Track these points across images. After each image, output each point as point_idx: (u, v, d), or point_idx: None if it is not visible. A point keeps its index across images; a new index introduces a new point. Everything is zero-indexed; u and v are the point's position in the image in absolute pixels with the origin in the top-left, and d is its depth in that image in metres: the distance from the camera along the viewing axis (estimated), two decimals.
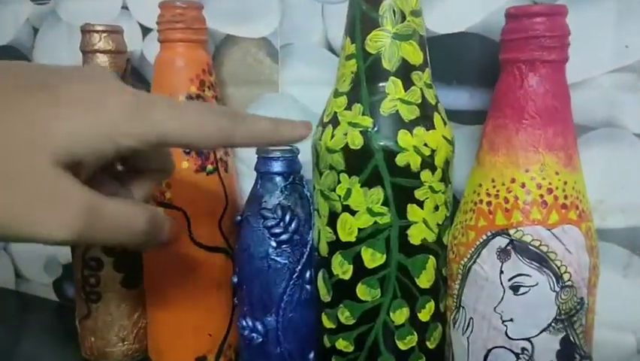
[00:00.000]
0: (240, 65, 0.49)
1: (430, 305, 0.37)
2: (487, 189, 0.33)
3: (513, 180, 0.32)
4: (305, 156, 0.43)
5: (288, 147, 0.43)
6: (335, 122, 0.36)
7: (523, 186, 0.31)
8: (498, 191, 0.32)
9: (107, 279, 0.48)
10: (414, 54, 0.35)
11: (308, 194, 0.43)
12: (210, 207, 0.45)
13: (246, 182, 0.49)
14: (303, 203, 0.43)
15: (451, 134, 0.36)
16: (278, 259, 0.42)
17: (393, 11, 0.34)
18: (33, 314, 0.64)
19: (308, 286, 0.42)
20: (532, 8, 0.32)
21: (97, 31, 0.47)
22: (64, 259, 0.63)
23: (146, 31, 0.53)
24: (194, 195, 0.44)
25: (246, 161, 0.50)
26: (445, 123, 0.36)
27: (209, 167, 0.44)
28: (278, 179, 0.42)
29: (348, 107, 0.35)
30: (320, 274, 0.39)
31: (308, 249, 0.42)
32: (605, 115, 0.37)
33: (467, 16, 0.40)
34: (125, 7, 0.54)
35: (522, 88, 0.31)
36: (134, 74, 0.52)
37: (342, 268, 0.36)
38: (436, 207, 0.36)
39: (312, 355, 0.43)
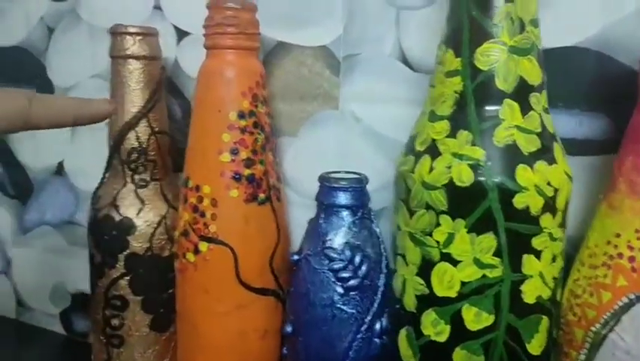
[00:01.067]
0: (293, 77, 0.43)
1: None
2: (628, 241, 0.27)
3: None
4: (371, 183, 0.37)
5: (356, 176, 0.37)
6: (434, 151, 0.29)
7: None
8: None
9: (133, 321, 0.42)
10: (533, 72, 0.29)
11: (377, 230, 0.37)
12: (261, 242, 0.38)
13: (295, 212, 0.42)
14: (373, 242, 0.36)
15: (570, 169, 0.30)
16: (344, 308, 0.35)
17: (512, 19, 0.28)
18: (36, 348, 0.57)
19: (377, 340, 0.36)
20: None
21: (130, 34, 0.40)
22: (72, 288, 0.56)
23: (181, 34, 0.46)
24: (244, 228, 0.37)
25: (294, 186, 0.44)
26: (564, 156, 0.30)
27: (261, 196, 0.38)
28: (345, 213, 0.36)
29: (452, 135, 0.29)
30: (403, 332, 0.32)
31: (379, 296, 0.36)
32: None
33: (578, 28, 0.34)
34: (157, 7, 0.47)
35: None
36: (166, 83, 0.45)
37: (435, 329, 0.30)
38: (554, 259, 0.29)
39: None
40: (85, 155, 0.53)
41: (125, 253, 0.41)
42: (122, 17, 0.44)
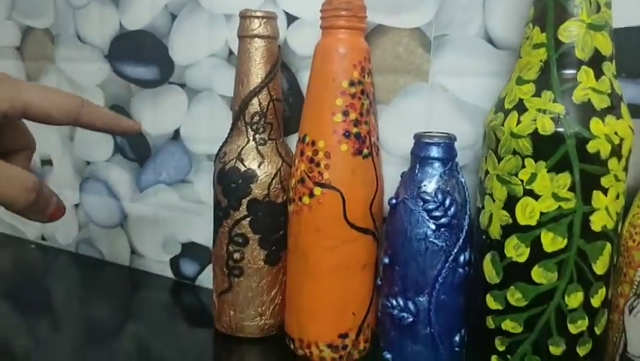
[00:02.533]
0: (390, 54, 0.50)
1: (602, 291, 0.37)
2: None
3: None
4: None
5: (446, 134, 0.45)
6: (521, 108, 0.37)
7: None
8: None
9: (252, 255, 0.50)
10: (605, 45, 0.36)
11: (463, 180, 0.44)
12: (364, 189, 0.46)
13: (385, 168, 0.50)
14: (459, 189, 0.44)
15: (633, 125, 0.37)
16: (436, 241, 0.43)
17: (590, 2, 0.35)
18: (148, 290, 0.67)
19: (460, 270, 0.43)
20: None
21: (257, 17, 0.49)
22: (183, 238, 0.66)
23: (291, 19, 0.55)
24: (351, 177, 0.45)
25: (385, 147, 0.52)
26: (629, 114, 0.37)
27: (365, 151, 0.46)
28: (437, 164, 0.44)
29: (537, 94, 0.36)
30: (488, 257, 0.40)
31: (464, 233, 0.43)
32: None
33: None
34: None
35: None
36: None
37: (517, 251, 0.37)
38: (617, 196, 0.36)
39: (457, 337, 0.44)
40: (199, 123, 0.62)
41: (247, 198, 0.50)
42: (237, 6, 0.52)
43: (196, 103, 0.62)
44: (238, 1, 0.57)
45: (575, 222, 0.36)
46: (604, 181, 0.35)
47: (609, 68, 0.36)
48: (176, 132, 0.64)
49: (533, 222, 0.37)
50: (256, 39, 0.49)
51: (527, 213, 0.37)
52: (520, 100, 0.37)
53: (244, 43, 0.50)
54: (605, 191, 0.36)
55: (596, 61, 0.36)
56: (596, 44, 0.36)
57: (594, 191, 0.35)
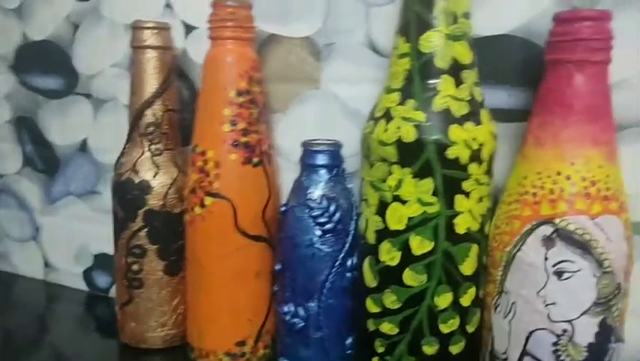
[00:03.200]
0: (283, 63, 0.51)
1: (472, 291, 0.39)
2: (532, 182, 0.35)
3: (559, 173, 0.34)
4: (346, 150, 0.45)
5: (333, 141, 0.45)
6: (388, 116, 0.38)
7: (568, 178, 0.34)
8: (544, 183, 0.35)
9: (150, 266, 0.50)
10: (464, 54, 0.37)
11: (350, 186, 0.45)
12: (255, 197, 0.47)
13: (284, 175, 0.51)
14: (345, 194, 0.45)
15: (494, 130, 0.39)
16: (322, 247, 0.44)
17: (447, 13, 0.37)
18: (62, 303, 0.66)
19: (348, 274, 0.44)
20: (581, 13, 0.34)
21: (147, 28, 0.49)
22: (95, 250, 0.65)
23: (189, 29, 0.55)
24: (241, 186, 0.46)
25: (285, 154, 0.52)
26: (490, 120, 0.38)
27: (255, 159, 0.46)
28: (323, 171, 0.44)
29: (402, 103, 0.38)
30: (366, 261, 0.41)
31: (350, 238, 0.44)
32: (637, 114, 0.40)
33: (508, 19, 0.43)
34: (168, 6, 0.56)
35: (570, 87, 0.34)
36: (177, 70, 0.54)
37: (389, 255, 0.39)
38: (481, 199, 0.38)
39: (349, 340, 0.45)
40: (105, 133, 0.62)
41: (143, 209, 0.49)
42: (138, 15, 0.52)
43: (102, 113, 0.62)
44: (138, 11, 0.56)
45: (440, 225, 0.37)
46: (465, 185, 0.37)
47: (469, 75, 0.38)
48: (84, 143, 0.63)
49: (402, 227, 0.38)
50: (148, 50, 0.49)
51: (397, 218, 0.38)
52: (387, 109, 0.38)
53: (136, 54, 0.50)
54: (467, 194, 0.37)
55: (455, 70, 0.37)
56: (454, 54, 0.37)
57: (456, 195, 0.37)
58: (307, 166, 0.45)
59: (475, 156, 0.37)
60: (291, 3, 0.50)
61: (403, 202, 0.37)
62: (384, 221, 0.38)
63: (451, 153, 0.36)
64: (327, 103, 0.50)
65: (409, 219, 0.37)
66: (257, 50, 0.51)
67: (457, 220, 0.37)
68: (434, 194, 0.37)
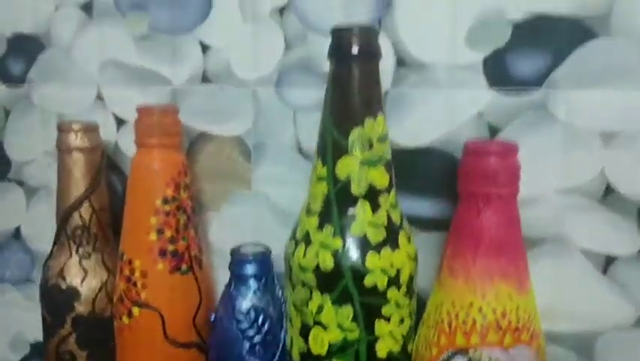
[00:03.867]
0: (214, 161, 0.51)
1: None
2: (447, 310, 0.35)
3: (471, 305, 0.34)
4: (278, 253, 0.45)
5: (261, 249, 0.45)
6: (307, 240, 0.38)
7: (480, 310, 0.34)
8: (457, 313, 0.35)
9: None
10: (381, 178, 0.38)
11: (280, 292, 0.45)
12: (185, 305, 0.46)
13: (219, 273, 0.50)
14: (275, 302, 0.45)
15: (414, 250, 0.39)
16: (251, 358, 0.43)
17: (363, 139, 0.37)
18: None
19: None
20: (488, 147, 0.35)
21: (73, 130, 0.48)
22: (31, 338, 0.63)
23: (120, 122, 0.54)
24: (169, 295, 0.45)
25: (219, 253, 0.52)
26: (409, 240, 0.39)
27: (184, 267, 0.46)
28: (251, 281, 0.44)
29: (320, 228, 0.38)
30: None
31: (280, 348, 0.44)
32: (553, 230, 0.41)
33: (427, 132, 0.43)
34: (99, 98, 0.55)
35: (478, 219, 0.34)
36: (108, 164, 0.53)
37: None
38: (402, 320, 0.38)
39: None
40: (39, 221, 0.60)
41: (71, 315, 0.48)
42: (69, 105, 0.51)
43: (35, 201, 0.60)
44: (68, 101, 0.56)
45: (361, 351, 0.37)
46: (385, 310, 0.37)
47: (386, 199, 0.38)
48: (17, 230, 0.62)
49: (324, 352, 0.38)
50: (74, 152, 0.48)
51: (319, 342, 0.38)
52: (307, 232, 0.38)
53: (61, 156, 0.49)
54: (387, 319, 0.37)
55: (372, 195, 0.37)
56: (371, 179, 0.37)
57: (376, 320, 0.37)
58: (235, 276, 0.44)
59: (394, 281, 0.37)
60: (220, 101, 0.50)
61: (324, 327, 0.37)
62: (307, 344, 0.38)
63: (368, 281, 0.36)
64: (259, 204, 0.50)
65: (330, 344, 0.37)
66: (187, 149, 0.51)
67: (377, 345, 0.37)
68: (354, 320, 0.37)
